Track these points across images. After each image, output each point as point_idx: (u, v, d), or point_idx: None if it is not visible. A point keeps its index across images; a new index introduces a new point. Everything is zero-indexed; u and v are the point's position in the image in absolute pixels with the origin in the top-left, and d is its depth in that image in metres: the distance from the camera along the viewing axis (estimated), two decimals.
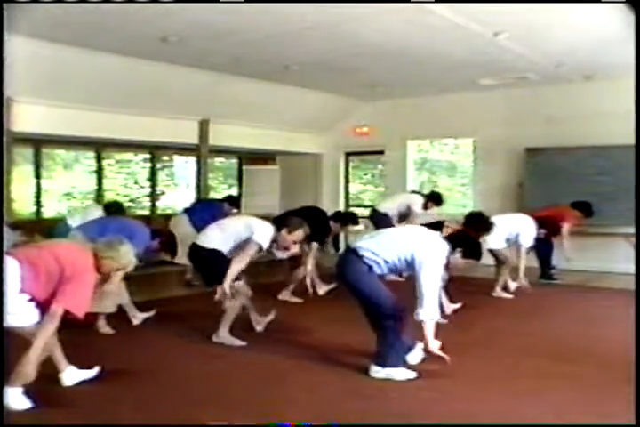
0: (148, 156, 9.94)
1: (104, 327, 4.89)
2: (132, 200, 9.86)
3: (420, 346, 3.93)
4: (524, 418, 3.16)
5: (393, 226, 7.15)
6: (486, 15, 5.36)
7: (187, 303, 6.27)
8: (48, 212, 8.81)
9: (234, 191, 10.87)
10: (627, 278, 7.13)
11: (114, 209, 6.38)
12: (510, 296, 6.60)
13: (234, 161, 11.38)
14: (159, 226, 6.90)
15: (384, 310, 3.74)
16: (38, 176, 8.69)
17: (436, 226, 5.82)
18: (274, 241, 4.73)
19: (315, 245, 6.30)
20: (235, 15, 5.32)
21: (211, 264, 4.68)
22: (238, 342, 4.56)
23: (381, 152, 10.42)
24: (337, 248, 7.71)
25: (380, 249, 3.77)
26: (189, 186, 10.32)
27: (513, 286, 6.76)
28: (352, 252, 3.84)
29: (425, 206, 7.85)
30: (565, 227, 7.16)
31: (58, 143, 8.78)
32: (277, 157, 11.27)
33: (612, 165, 7.99)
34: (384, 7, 5.07)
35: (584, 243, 7.85)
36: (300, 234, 4.77)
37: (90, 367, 3.67)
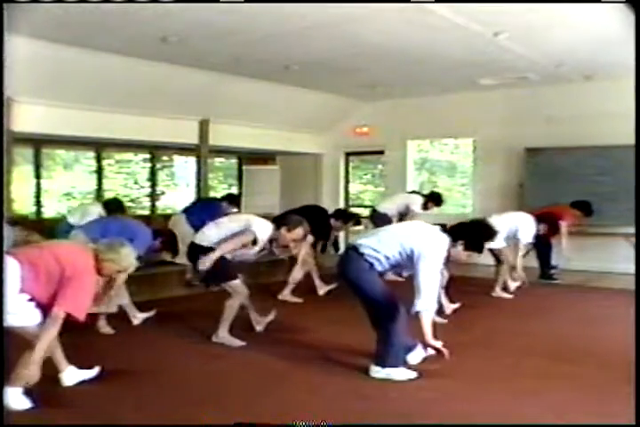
0: (147, 156, 9.95)
1: (104, 327, 4.89)
2: (132, 200, 9.86)
3: (420, 346, 3.93)
4: (524, 418, 3.15)
5: None
6: (486, 15, 5.36)
7: (187, 303, 6.27)
8: (48, 212, 8.82)
9: (234, 191, 10.86)
10: (627, 278, 7.13)
11: (114, 206, 6.38)
12: (510, 296, 6.60)
13: (234, 161, 11.38)
14: (159, 226, 6.90)
15: (384, 309, 3.74)
16: (38, 176, 8.69)
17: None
18: (274, 239, 4.74)
19: (310, 238, 6.24)
20: (235, 15, 5.32)
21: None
22: (238, 342, 4.56)
23: (381, 152, 10.42)
24: (337, 249, 7.72)
25: (380, 246, 3.76)
26: (189, 186, 10.32)
27: (513, 285, 6.76)
28: (353, 249, 3.84)
29: (425, 206, 7.86)
30: (563, 225, 7.17)
31: (58, 143, 8.78)
32: (277, 156, 11.27)
33: (612, 164, 7.99)
34: (384, 7, 5.07)
35: (584, 243, 7.85)
36: (299, 232, 4.76)
37: (90, 367, 3.67)
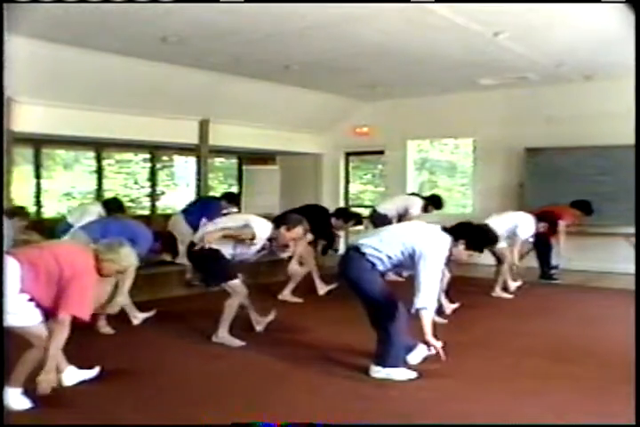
0: (147, 156, 9.94)
1: (104, 327, 4.89)
2: (132, 200, 9.86)
3: (420, 346, 3.92)
4: (523, 418, 3.15)
5: None
6: (486, 15, 5.35)
7: (187, 303, 6.26)
8: (48, 212, 8.82)
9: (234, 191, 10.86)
10: (627, 278, 7.13)
11: (113, 206, 6.37)
12: (510, 296, 6.60)
13: (234, 161, 11.38)
14: (159, 227, 6.90)
15: (385, 309, 3.74)
16: (38, 176, 8.69)
17: None
18: (274, 239, 4.73)
19: (309, 236, 6.22)
20: (235, 15, 5.32)
21: (209, 263, 4.68)
22: (238, 342, 4.56)
23: (381, 152, 10.42)
24: (336, 249, 7.70)
25: (382, 245, 3.76)
26: (189, 186, 10.32)
27: (513, 286, 6.77)
28: (354, 249, 3.84)
29: (425, 209, 7.84)
30: (562, 224, 7.17)
31: (58, 143, 8.78)
32: (277, 157, 11.26)
33: (612, 164, 7.99)
34: (384, 7, 5.06)
35: (584, 243, 7.86)
36: (299, 231, 4.76)
37: (90, 367, 3.67)
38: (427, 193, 8.95)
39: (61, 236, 5.43)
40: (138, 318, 5.25)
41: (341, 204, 10.73)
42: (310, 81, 8.44)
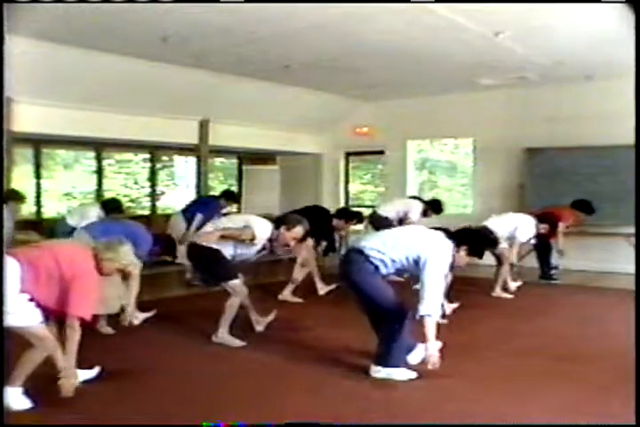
0: (147, 156, 9.95)
1: (104, 327, 4.89)
2: (132, 200, 9.87)
3: (421, 346, 3.92)
4: (523, 418, 3.15)
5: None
6: (486, 15, 5.35)
7: (187, 303, 6.26)
8: (48, 212, 8.82)
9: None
10: (627, 278, 7.14)
11: (112, 206, 6.36)
12: (510, 296, 6.60)
13: (234, 161, 11.38)
14: (159, 227, 6.91)
15: (387, 311, 3.73)
16: (38, 176, 8.70)
17: None
18: (274, 239, 4.73)
19: (310, 242, 6.25)
20: (235, 15, 5.32)
21: (209, 263, 4.68)
22: (238, 342, 4.56)
23: (381, 152, 10.42)
24: (334, 250, 7.70)
25: (386, 248, 3.76)
26: (189, 186, 10.32)
27: (513, 286, 6.77)
28: (356, 251, 3.83)
29: (424, 214, 7.81)
30: (561, 226, 7.17)
31: (58, 143, 8.79)
32: (277, 156, 11.27)
33: (612, 165, 7.99)
34: (384, 7, 5.06)
35: (584, 243, 7.86)
36: (299, 231, 4.75)
37: (90, 367, 3.67)
38: (427, 193, 8.95)
39: (62, 237, 5.42)
40: (138, 318, 5.23)
41: (341, 204, 10.73)
42: (310, 81, 8.44)
